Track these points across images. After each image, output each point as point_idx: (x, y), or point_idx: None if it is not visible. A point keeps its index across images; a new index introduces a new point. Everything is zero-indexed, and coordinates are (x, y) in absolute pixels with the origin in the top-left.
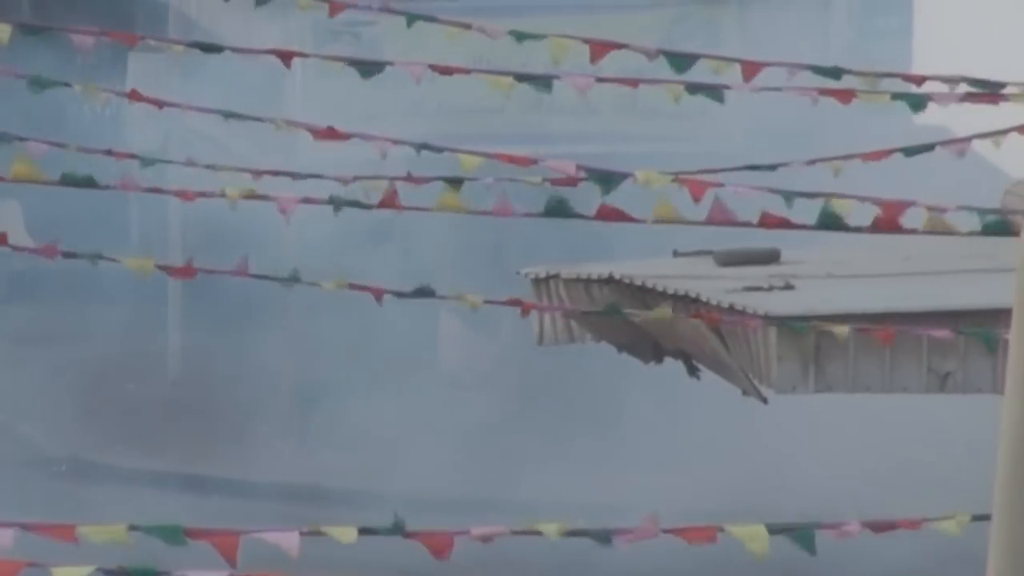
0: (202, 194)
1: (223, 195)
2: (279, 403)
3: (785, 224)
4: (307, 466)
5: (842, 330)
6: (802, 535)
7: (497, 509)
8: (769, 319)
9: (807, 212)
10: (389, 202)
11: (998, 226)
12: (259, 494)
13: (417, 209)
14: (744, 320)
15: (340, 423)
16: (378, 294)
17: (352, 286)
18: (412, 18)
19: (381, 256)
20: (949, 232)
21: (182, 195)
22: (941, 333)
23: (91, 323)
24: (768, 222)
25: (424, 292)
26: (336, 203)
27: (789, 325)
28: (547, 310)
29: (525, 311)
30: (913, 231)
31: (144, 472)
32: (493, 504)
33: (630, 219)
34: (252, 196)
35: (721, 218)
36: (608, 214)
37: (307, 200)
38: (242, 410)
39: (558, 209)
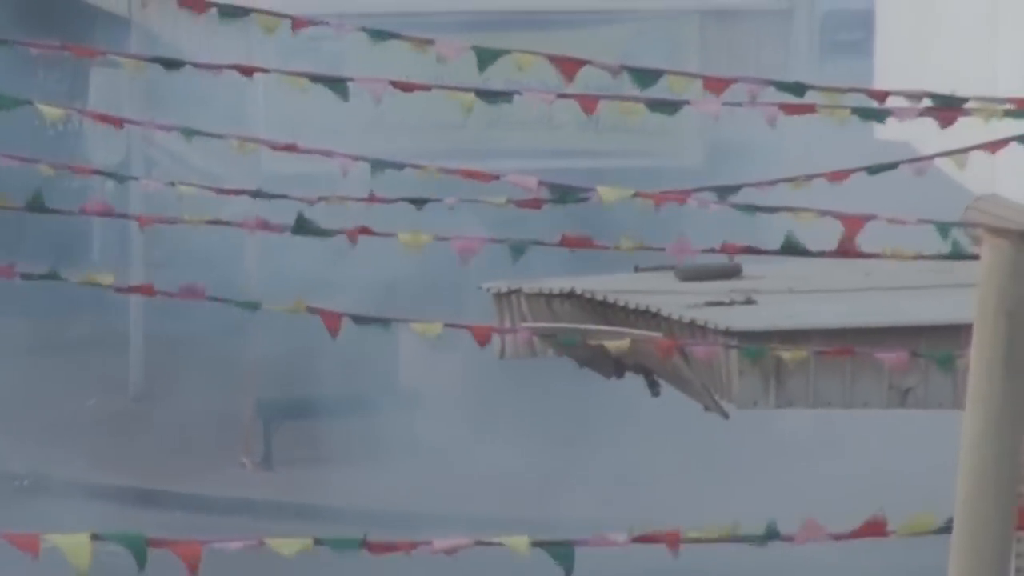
0: (162, 220)
1: (183, 220)
2: (241, 419)
3: (748, 250)
4: (269, 482)
5: (797, 354)
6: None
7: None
8: (729, 334)
9: (768, 226)
10: (352, 233)
11: (958, 250)
12: (220, 509)
13: (382, 235)
14: (694, 346)
15: (303, 439)
16: (333, 323)
17: (310, 309)
18: (375, 34)
19: (347, 265)
20: (910, 257)
21: (144, 221)
22: (897, 356)
23: (52, 337)
24: (730, 248)
25: (379, 320)
26: (298, 230)
27: (748, 350)
28: (507, 331)
29: (481, 338)
30: (875, 255)
31: (105, 487)
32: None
33: (594, 246)
34: (213, 222)
35: (684, 249)
36: (571, 242)
37: (267, 227)
38: (203, 426)
39: (519, 248)
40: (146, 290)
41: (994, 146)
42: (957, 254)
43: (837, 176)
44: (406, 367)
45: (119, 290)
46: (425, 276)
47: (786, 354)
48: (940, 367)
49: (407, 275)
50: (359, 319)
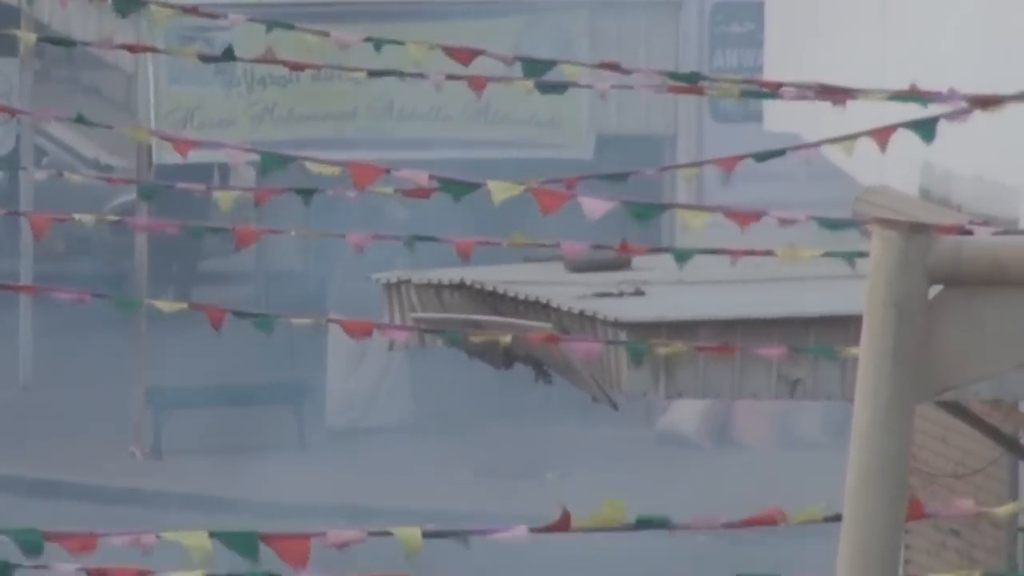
0: (57, 219)
1: (75, 219)
2: (130, 409)
3: (641, 250)
4: (158, 471)
5: (677, 349)
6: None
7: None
8: (619, 325)
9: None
10: (246, 236)
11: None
12: (109, 499)
13: (273, 231)
14: (574, 342)
15: (192, 429)
16: (217, 319)
17: (193, 306)
18: (270, 25)
19: (243, 257)
20: (807, 256)
21: (37, 223)
22: (779, 350)
23: None
24: (625, 249)
25: (263, 317)
26: (189, 230)
27: (628, 347)
28: (386, 328)
29: (358, 333)
30: (768, 252)
31: None
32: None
33: (485, 242)
34: (103, 219)
35: (577, 250)
36: (464, 246)
37: (158, 226)
38: (93, 415)
39: (416, 236)
40: (27, 289)
41: (881, 134)
42: (848, 254)
43: (725, 162)
44: (300, 357)
45: (2, 287)
46: (318, 267)
47: (664, 350)
48: (819, 360)
49: (301, 267)
50: (240, 314)
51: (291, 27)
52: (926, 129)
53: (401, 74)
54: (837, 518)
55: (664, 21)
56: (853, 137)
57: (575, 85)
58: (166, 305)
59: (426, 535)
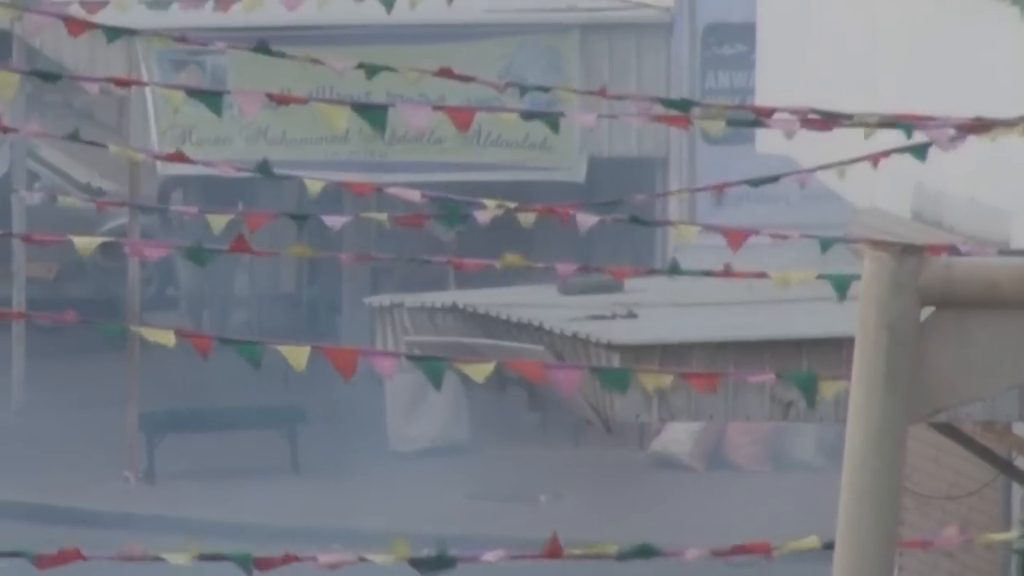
0: (56, 239)
1: (72, 244)
2: (123, 433)
3: (642, 271)
4: (151, 496)
5: (664, 379)
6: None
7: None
8: (612, 348)
9: (650, 238)
10: (240, 245)
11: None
12: (103, 523)
13: (268, 254)
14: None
15: (186, 453)
16: (204, 347)
17: (178, 333)
18: (260, 51)
19: (239, 279)
20: (797, 279)
21: (31, 240)
22: (764, 376)
23: None
24: (620, 272)
25: (250, 346)
26: (188, 253)
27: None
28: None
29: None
30: (761, 275)
31: None
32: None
33: (479, 266)
34: (104, 241)
35: (568, 270)
36: (461, 265)
37: (155, 246)
38: (86, 440)
39: (413, 259)
40: (18, 315)
41: (875, 158)
42: (840, 277)
43: (719, 187)
44: (293, 381)
45: None
46: (312, 289)
47: (648, 379)
48: (801, 390)
49: (296, 289)
50: (225, 341)
51: (282, 55)
52: (920, 152)
53: (383, 107)
54: (830, 546)
55: (656, 43)
56: (847, 163)
57: (561, 115)
58: (152, 333)
59: (414, 562)
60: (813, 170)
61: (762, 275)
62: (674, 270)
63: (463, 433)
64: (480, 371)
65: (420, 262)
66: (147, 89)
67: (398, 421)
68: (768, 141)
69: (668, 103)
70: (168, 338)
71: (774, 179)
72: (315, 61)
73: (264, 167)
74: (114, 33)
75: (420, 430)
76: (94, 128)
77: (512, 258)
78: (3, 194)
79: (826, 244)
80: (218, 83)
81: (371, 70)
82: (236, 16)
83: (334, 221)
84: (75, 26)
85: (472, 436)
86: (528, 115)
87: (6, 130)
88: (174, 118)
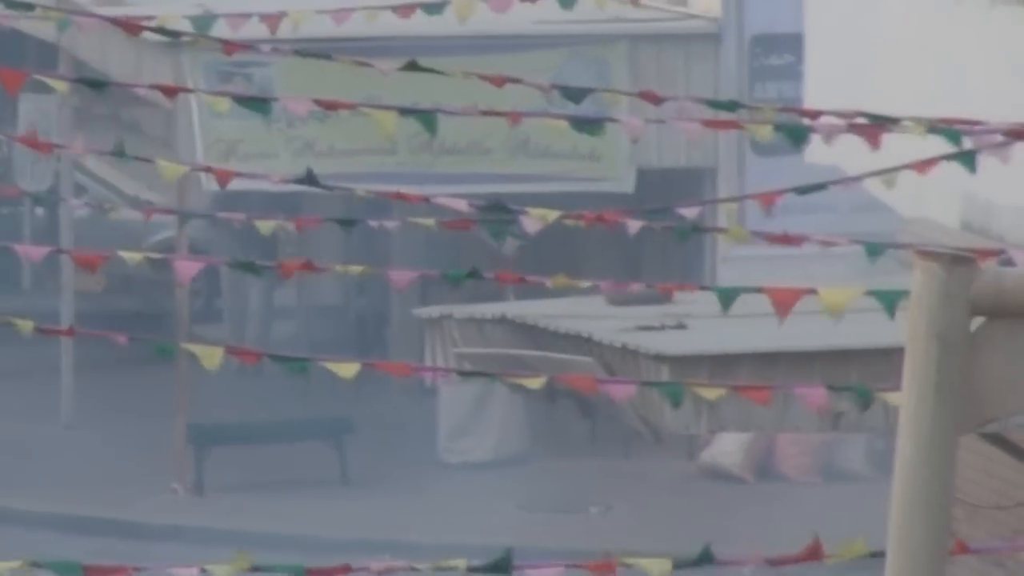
0: (95, 256)
1: (121, 257)
2: (172, 445)
3: (693, 286)
4: (200, 508)
5: (718, 392)
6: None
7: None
8: (661, 359)
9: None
10: (288, 268)
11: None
12: (151, 536)
13: (316, 269)
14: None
15: (235, 465)
16: (252, 360)
17: (229, 350)
18: (308, 55)
19: (287, 291)
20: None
21: (85, 263)
22: (815, 391)
23: None
24: (667, 287)
25: (296, 359)
26: (232, 265)
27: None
28: (425, 370)
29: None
30: (811, 291)
31: (38, 514)
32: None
33: (527, 281)
34: (149, 257)
35: (618, 288)
36: (507, 278)
37: (202, 259)
38: (134, 452)
39: (458, 274)
40: (68, 332)
41: (922, 166)
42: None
43: (766, 197)
44: (341, 392)
45: (40, 330)
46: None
47: (705, 391)
48: (857, 401)
49: (344, 301)
50: (275, 358)
51: (328, 58)
52: (969, 160)
53: (432, 112)
54: (881, 554)
55: (704, 53)
56: (894, 170)
57: (606, 120)
58: (201, 350)
59: (470, 570)
60: (860, 177)
61: (812, 291)
62: (725, 295)
63: (518, 446)
64: (531, 382)
65: (453, 278)
66: (193, 103)
67: (452, 433)
68: (817, 151)
69: (715, 104)
70: (214, 359)
71: (821, 186)
72: (361, 63)
73: (310, 176)
74: (173, 35)
75: (475, 442)
76: (141, 141)
77: (560, 279)
78: (51, 207)
79: (872, 249)
80: (265, 95)
81: (417, 71)
82: (284, 31)
83: (383, 225)
84: (131, 28)
85: (524, 448)
86: (574, 119)
87: (54, 147)
88: (219, 131)
